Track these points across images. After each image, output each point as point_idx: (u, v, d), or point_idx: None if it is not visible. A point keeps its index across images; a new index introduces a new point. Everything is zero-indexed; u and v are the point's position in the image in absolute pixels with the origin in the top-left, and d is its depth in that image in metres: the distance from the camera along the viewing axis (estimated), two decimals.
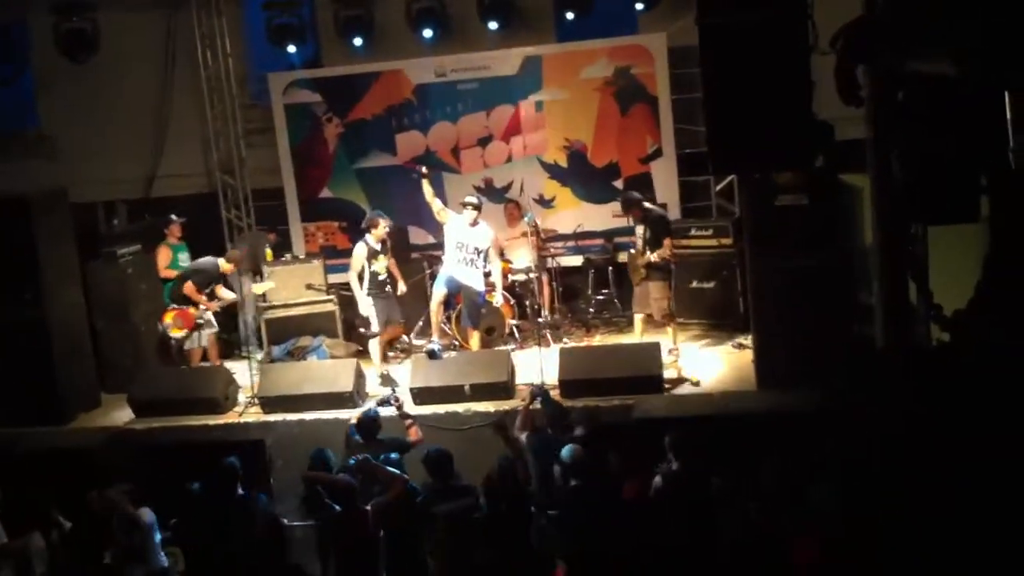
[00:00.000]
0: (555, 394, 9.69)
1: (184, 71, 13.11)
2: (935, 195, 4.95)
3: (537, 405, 8.69)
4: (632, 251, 10.74)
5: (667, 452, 7.52)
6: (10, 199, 10.51)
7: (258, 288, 11.51)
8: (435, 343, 10.17)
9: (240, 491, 7.82)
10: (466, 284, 10.63)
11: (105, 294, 11.26)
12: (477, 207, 10.63)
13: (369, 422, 8.42)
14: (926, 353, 6.24)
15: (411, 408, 9.74)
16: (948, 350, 5.55)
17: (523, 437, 8.41)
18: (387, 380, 10.58)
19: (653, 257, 10.22)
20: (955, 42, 4.31)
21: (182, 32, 13.01)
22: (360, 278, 10.63)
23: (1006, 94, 4.60)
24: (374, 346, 10.77)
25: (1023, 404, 4.32)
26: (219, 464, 7.87)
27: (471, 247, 10.58)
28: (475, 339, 10.88)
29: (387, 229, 10.68)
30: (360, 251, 10.63)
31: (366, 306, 10.63)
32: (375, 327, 10.68)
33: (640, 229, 10.56)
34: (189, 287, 10.93)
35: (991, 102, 4.65)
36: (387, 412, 8.91)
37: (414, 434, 8.64)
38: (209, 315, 11.10)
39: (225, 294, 11.26)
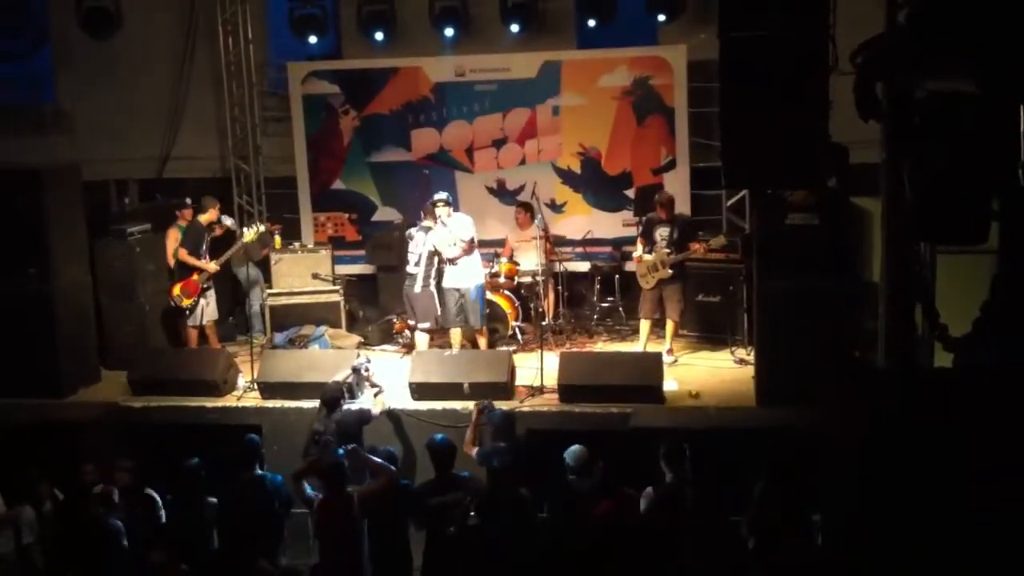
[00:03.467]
0: (553, 398, 9.75)
1: (204, 55, 13.14)
2: (944, 215, 4.95)
3: (485, 421, 8.67)
4: (648, 254, 10.78)
5: (661, 464, 7.52)
6: (23, 172, 10.53)
7: (248, 235, 11.34)
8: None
9: (258, 470, 7.88)
10: (453, 287, 10.58)
11: (112, 271, 11.28)
12: (447, 203, 10.56)
13: (333, 394, 8.79)
14: (927, 375, 6.24)
15: (409, 403, 9.80)
16: (950, 372, 5.55)
17: (473, 453, 8.39)
18: None
19: (676, 258, 10.49)
20: (976, 59, 4.31)
21: (205, 16, 13.04)
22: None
23: (1022, 110, 4.60)
24: (424, 338, 10.75)
25: (1020, 429, 4.34)
26: (241, 440, 7.99)
27: (444, 243, 10.56)
28: (481, 341, 10.85)
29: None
30: (423, 237, 10.60)
31: (430, 296, 10.60)
32: (441, 319, 10.67)
33: (665, 230, 10.72)
34: (183, 254, 11.08)
35: (1005, 121, 4.65)
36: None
37: (380, 403, 8.97)
38: (212, 297, 11.16)
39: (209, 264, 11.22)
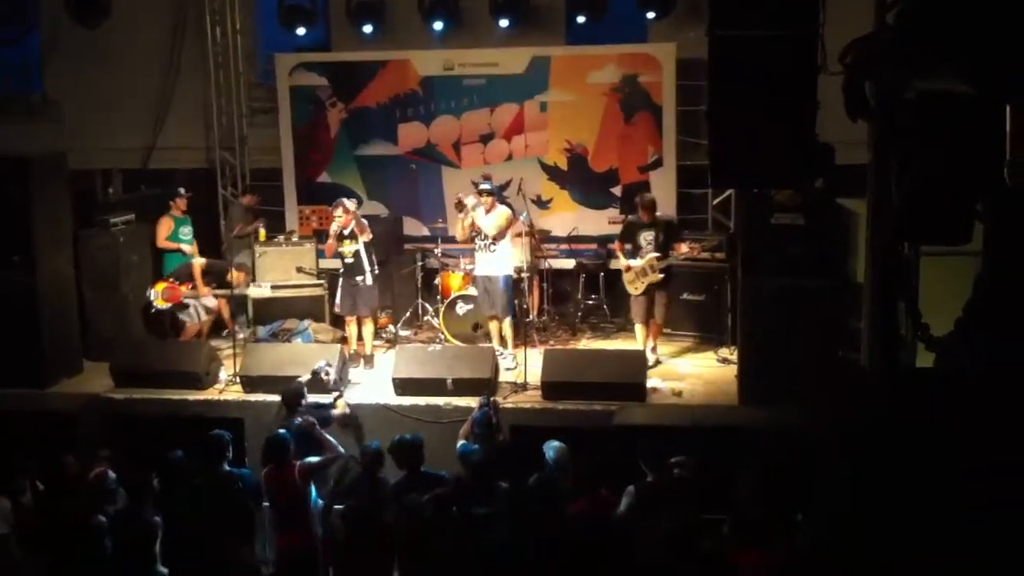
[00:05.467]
0: (537, 395, 9.74)
1: (192, 45, 13.08)
2: (928, 215, 4.96)
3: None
4: (635, 261, 10.58)
5: (641, 463, 7.52)
6: (8, 160, 10.46)
7: (253, 292, 11.59)
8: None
9: (226, 466, 7.84)
10: (484, 275, 10.64)
11: (96, 262, 11.23)
12: (490, 193, 10.64)
13: (293, 393, 8.70)
14: (910, 375, 6.26)
15: (391, 399, 9.78)
16: (932, 372, 5.58)
17: (459, 444, 8.38)
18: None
19: (682, 253, 10.50)
20: (968, 58, 4.32)
21: (193, 5, 12.99)
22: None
23: (1007, 110, 4.61)
24: (351, 328, 10.92)
25: (1003, 428, 4.36)
26: (207, 436, 7.90)
27: (483, 233, 10.60)
28: (507, 327, 10.76)
29: (343, 217, 10.63)
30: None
31: (338, 286, 10.79)
32: (336, 308, 10.85)
33: (650, 234, 10.57)
34: (198, 267, 11.13)
35: (991, 121, 4.66)
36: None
37: (340, 407, 8.91)
38: (208, 301, 11.19)
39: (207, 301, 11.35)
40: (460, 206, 10.70)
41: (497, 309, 10.68)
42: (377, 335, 11.57)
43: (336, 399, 9.11)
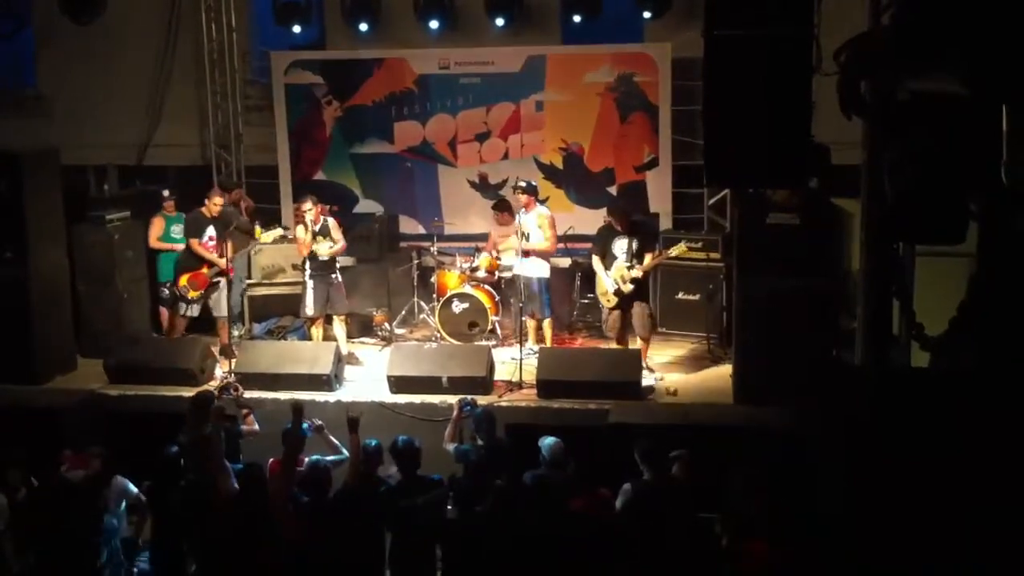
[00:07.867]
0: (531, 393, 9.74)
1: (187, 42, 13.08)
2: (922, 214, 4.98)
3: (466, 415, 8.58)
4: (605, 274, 10.26)
5: (638, 462, 7.53)
6: (1, 155, 10.45)
7: (267, 236, 11.17)
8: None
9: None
10: (519, 274, 10.63)
11: (90, 258, 11.19)
12: (525, 190, 10.64)
13: (203, 401, 8.45)
14: (904, 374, 6.28)
15: (386, 397, 9.78)
16: (927, 372, 5.60)
17: (450, 448, 8.36)
18: None
19: (637, 273, 10.11)
20: (963, 59, 4.33)
21: (188, 2, 12.97)
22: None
23: (1004, 109, 4.62)
24: (314, 331, 10.77)
25: (991, 429, 4.37)
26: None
27: (520, 232, 10.55)
28: (546, 326, 10.80)
29: (311, 211, 10.50)
30: (299, 233, 10.63)
31: (308, 288, 10.60)
32: (309, 310, 10.63)
33: (624, 242, 10.24)
34: (194, 244, 10.82)
35: (987, 121, 4.67)
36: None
37: (249, 423, 8.64)
38: (223, 291, 10.95)
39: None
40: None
41: (535, 310, 10.70)
42: (372, 332, 11.58)
43: (246, 415, 8.71)
